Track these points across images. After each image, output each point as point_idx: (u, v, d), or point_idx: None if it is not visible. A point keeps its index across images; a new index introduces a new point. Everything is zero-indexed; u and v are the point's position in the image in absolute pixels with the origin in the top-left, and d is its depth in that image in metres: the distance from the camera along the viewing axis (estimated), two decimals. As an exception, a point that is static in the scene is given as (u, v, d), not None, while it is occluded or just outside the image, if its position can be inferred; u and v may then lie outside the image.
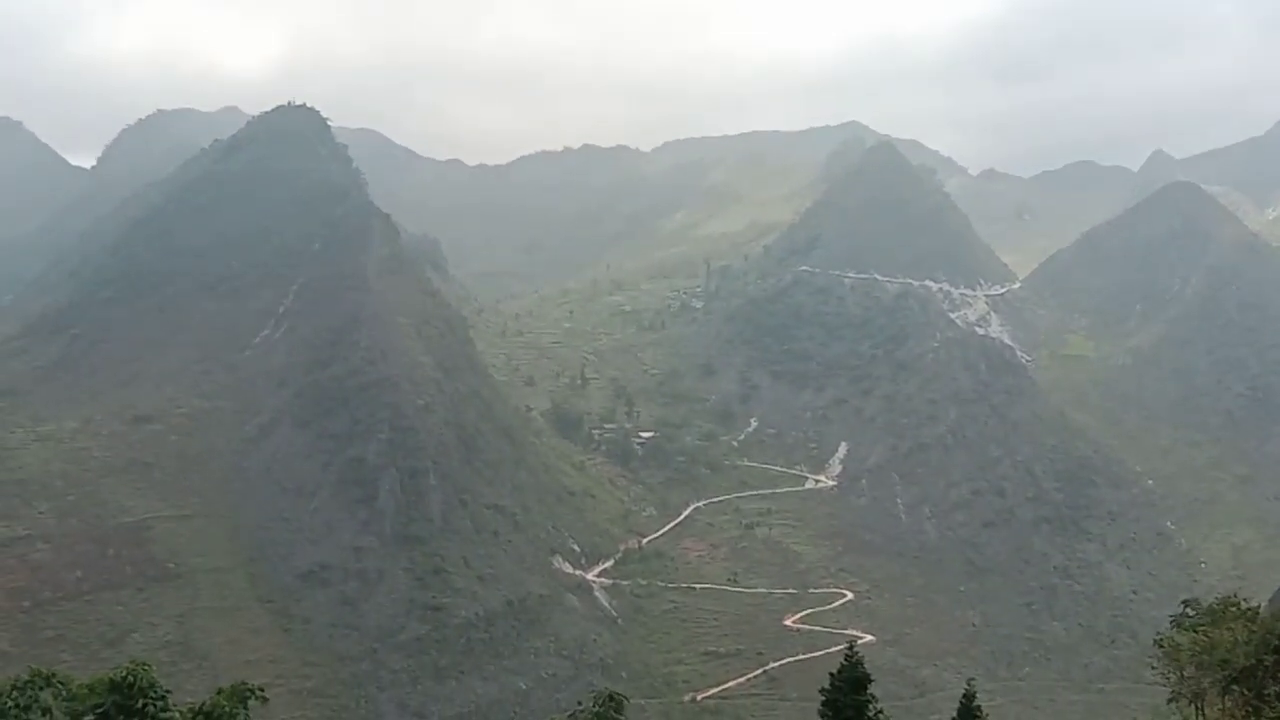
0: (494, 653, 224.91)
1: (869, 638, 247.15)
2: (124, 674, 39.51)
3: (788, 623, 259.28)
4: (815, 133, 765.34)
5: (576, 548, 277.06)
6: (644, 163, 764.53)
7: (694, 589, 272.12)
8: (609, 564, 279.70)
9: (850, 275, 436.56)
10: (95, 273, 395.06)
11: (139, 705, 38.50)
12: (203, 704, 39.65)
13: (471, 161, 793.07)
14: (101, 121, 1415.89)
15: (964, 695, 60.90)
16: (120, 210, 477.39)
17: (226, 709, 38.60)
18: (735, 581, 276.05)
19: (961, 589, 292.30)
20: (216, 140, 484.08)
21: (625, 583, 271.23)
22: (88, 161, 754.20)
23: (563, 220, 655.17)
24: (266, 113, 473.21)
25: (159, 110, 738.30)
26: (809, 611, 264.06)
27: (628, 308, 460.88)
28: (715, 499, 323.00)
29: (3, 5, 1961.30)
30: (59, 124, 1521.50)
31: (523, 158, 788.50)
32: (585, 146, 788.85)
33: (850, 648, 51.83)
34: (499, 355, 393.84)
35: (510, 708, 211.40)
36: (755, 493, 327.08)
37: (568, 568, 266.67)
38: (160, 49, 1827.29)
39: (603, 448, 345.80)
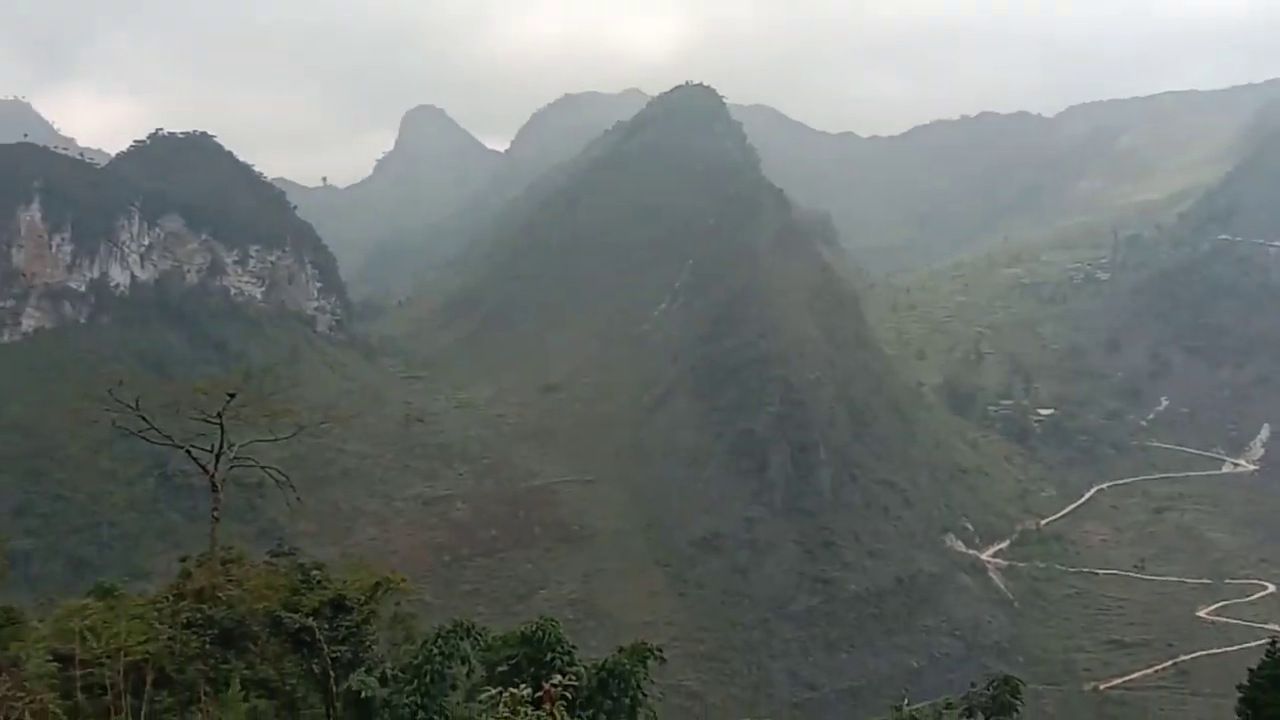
0: (884, 628, 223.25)
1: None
2: (534, 628, 41.69)
3: (1201, 614, 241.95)
4: (1236, 92, 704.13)
5: (970, 526, 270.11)
6: (1046, 129, 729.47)
7: (1096, 574, 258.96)
8: (1004, 545, 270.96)
9: (1276, 244, 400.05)
10: (507, 251, 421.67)
11: (547, 658, 40.48)
12: (605, 661, 41.14)
13: (864, 134, 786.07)
14: (515, 106, 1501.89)
15: None
16: (530, 191, 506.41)
17: (628, 667, 39.85)
18: (1142, 568, 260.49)
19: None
20: (619, 121, 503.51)
21: (1022, 565, 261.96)
22: (502, 145, 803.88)
23: (958, 191, 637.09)
24: (666, 93, 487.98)
25: (566, 94, 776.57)
26: (1225, 603, 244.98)
27: (1026, 280, 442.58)
28: (1121, 481, 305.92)
29: (428, 2, 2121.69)
30: (477, 110, 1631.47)
31: (917, 128, 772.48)
32: (983, 114, 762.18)
33: (1273, 644, 47.47)
34: (890, 329, 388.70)
35: (901, 685, 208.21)
36: (1165, 475, 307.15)
37: (960, 547, 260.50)
38: (570, 35, 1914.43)
39: (998, 425, 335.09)
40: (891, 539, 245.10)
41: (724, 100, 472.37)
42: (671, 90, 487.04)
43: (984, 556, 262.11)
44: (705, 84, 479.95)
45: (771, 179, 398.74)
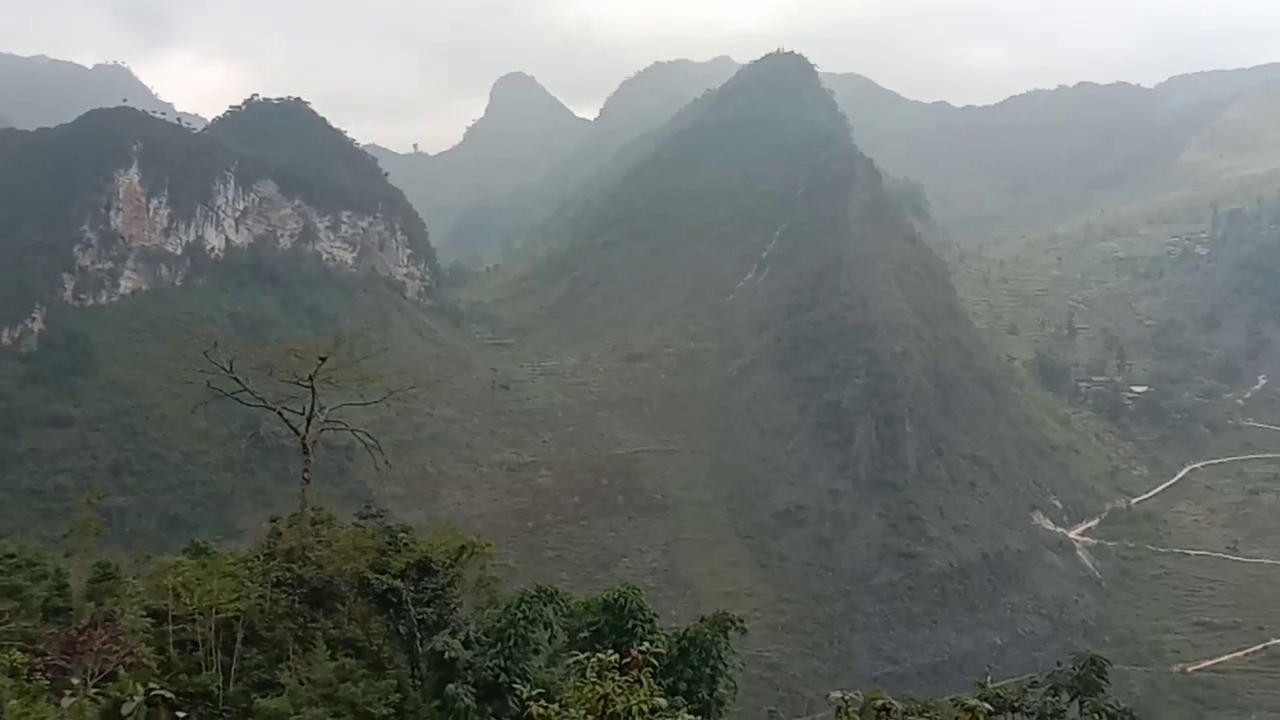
0: (968, 605, 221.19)
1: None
2: (616, 596, 42.00)
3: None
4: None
5: (1058, 504, 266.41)
6: (1146, 100, 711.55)
7: (1187, 555, 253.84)
8: (1093, 523, 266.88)
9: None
10: (595, 218, 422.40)
11: (629, 626, 40.75)
12: (686, 629, 41.31)
13: (958, 103, 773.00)
14: (605, 75, 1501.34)
15: None
16: (618, 159, 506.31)
17: (709, 637, 40.03)
18: (1235, 550, 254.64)
19: None
20: (708, 90, 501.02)
21: (1111, 544, 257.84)
22: (591, 113, 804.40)
23: (1053, 163, 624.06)
24: (756, 62, 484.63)
25: (656, 63, 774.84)
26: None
27: (1122, 254, 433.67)
28: (1215, 460, 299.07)
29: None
30: (567, 78, 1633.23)
31: (1012, 98, 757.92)
32: (1081, 84, 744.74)
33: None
34: (981, 303, 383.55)
35: (984, 662, 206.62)
36: (1262, 456, 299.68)
37: (1048, 524, 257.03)
38: (663, 3, 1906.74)
39: (1090, 401, 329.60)
40: (978, 515, 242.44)
41: (815, 69, 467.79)
42: (762, 59, 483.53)
43: (1072, 535, 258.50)
44: (797, 52, 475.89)
45: (862, 149, 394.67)
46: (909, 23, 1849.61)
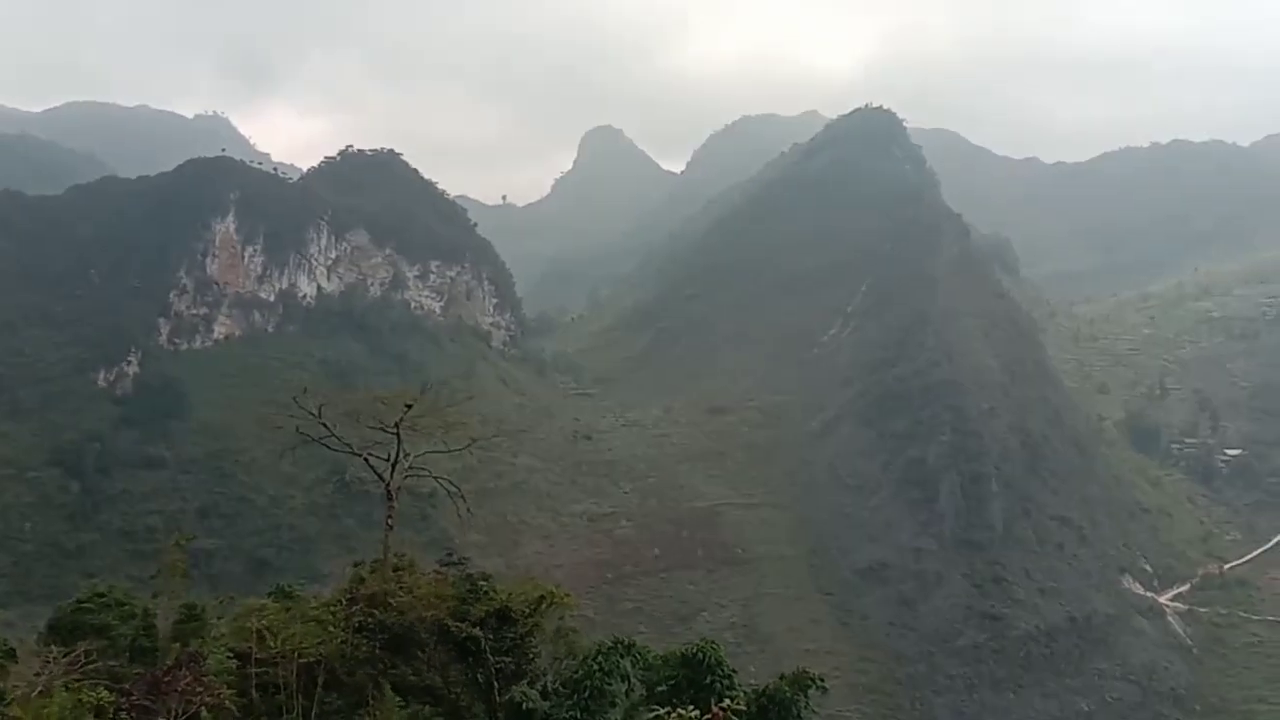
0: (1054, 669, 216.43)
1: None
2: (695, 650, 41.68)
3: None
4: None
5: (1148, 568, 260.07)
6: (1242, 158, 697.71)
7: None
8: (1184, 588, 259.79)
9: None
10: (680, 270, 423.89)
11: (707, 681, 40.39)
12: (766, 687, 40.84)
13: (1049, 159, 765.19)
14: (692, 128, 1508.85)
15: None
16: (705, 211, 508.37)
17: (788, 695, 39.50)
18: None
19: None
20: (795, 144, 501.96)
21: (1203, 610, 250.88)
22: (678, 166, 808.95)
23: (1145, 220, 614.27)
24: (844, 116, 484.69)
25: (744, 116, 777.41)
26: None
27: (1216, 314, 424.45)
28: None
29: (611, 20, 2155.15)
30: (655, 131, 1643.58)
31: (1104, 154, 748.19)
32: (1174, 141, 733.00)
33: None
34: (1070, 361, 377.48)
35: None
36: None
37: (1138, 588, 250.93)
38: (754, 55, 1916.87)
39: (1182, 463, 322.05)
40: (1065, 577, 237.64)
41: (904, 123, 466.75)
42: (850, 113, 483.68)
43: (1162, 600, 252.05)
44: (885, 107, 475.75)
45: (951, 204, 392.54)
46: (1000, 78, 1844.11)
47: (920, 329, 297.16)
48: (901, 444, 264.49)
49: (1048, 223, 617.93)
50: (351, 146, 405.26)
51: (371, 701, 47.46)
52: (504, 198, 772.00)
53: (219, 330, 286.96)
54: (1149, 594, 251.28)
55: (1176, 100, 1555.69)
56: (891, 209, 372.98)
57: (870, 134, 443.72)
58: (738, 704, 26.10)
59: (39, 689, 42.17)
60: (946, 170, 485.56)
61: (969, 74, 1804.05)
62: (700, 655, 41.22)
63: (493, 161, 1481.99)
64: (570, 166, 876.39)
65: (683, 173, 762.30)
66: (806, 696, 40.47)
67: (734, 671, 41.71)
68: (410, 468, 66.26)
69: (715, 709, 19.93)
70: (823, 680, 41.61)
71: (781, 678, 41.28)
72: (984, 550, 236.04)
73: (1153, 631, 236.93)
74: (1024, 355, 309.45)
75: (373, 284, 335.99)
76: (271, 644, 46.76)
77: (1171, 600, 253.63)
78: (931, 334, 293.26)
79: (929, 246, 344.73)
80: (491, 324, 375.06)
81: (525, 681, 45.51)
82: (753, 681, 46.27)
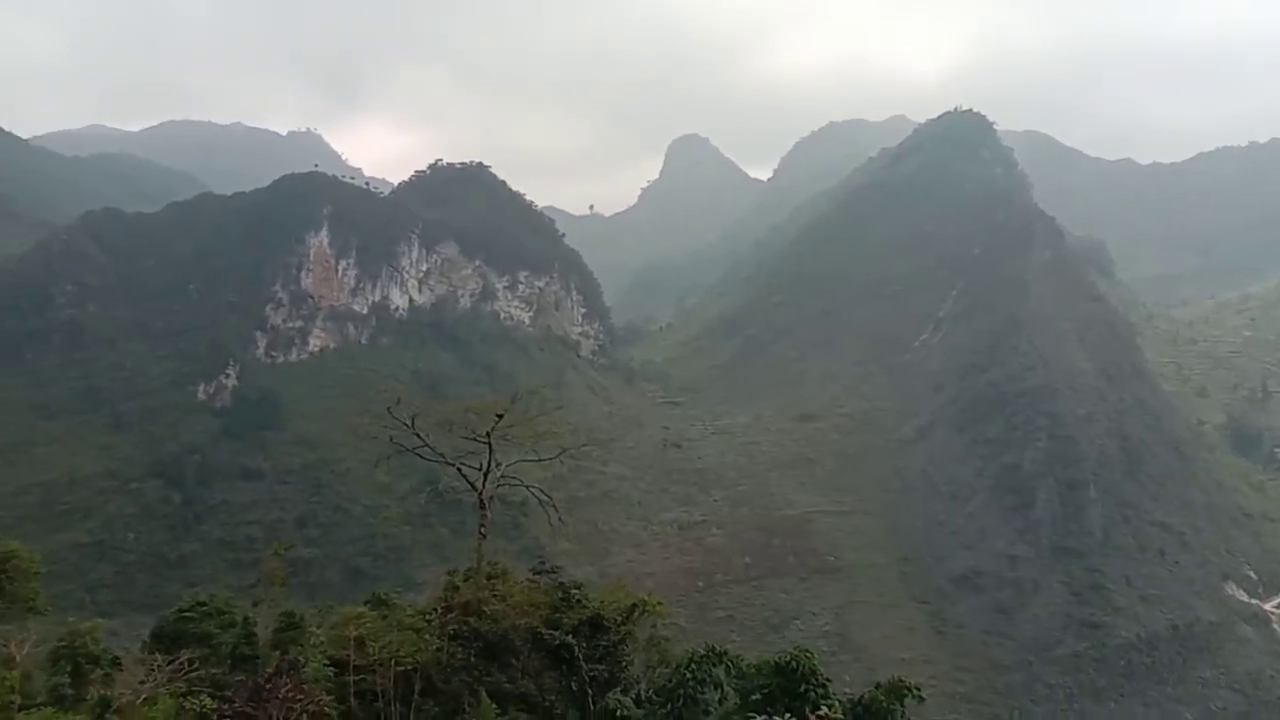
0: (1156, 678, 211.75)
1: None
2: (788, 659, 41.37)
3: None
4: None
5: (1252, 575, 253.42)
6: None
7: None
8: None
9: None
10: (767, 278, 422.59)
11: (802, 690, 40.08)
12: (861, 696, 40.49)
13: (1143, 160, 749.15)
14: (779, 134, 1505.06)
15: None
16: (792, 219, 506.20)
17: (884, 704, 39.13)
18: None
19: None
20: (883, 149, 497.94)
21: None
22: (764, 173, 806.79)
23: (1244, 221, 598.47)
24: (932, 120, 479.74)
25: (831, 122, 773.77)
26: None
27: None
28: None
29: (697, 28, 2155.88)
30: (741, 139, 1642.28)
31: (1201, 154, 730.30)
32: (1273, 140, 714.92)
33: None
34: (1169, 364, 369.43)
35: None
36: None
37: (1242, 595, 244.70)
38: (840, 61, 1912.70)
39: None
40: (1167, 584, 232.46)
41: (993, 126, 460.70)
42: (938, 117, 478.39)
43: (1268, 607, 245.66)
44: (974, 110, 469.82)
45: (1043, 207, 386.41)
46: (1092, 78, 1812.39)
47: (1013, 333, 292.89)
48: (995, 450, 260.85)
49: (1143, 225, 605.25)
50: (441, 160, 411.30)
51: (468, 709, 47.91)
52: (591, 207, 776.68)
53: (314, 343, 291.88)
54: (1253, 601, 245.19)
55: (1275, 97, 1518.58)
56: (981, 213, 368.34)
57: (959, 137, 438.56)
58: (835, 713, 25.96)
59: (144, 696, 43.24)
60: (1038, 173, 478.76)
61: (1060, 74, 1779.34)
62: (794, 663, 40.92)
63: (580, 172, 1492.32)
64: (657, 175, 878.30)
65: (770, 180, 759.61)
66: (903, 705, 40.05)
67: (828, 680, 41.37)
68: (502, 477, 66.90)
69: (812, 717, 19.83)
70: (919, 689, 41.14)
71: (877, 686, 40.93)
72: (1083, 557, 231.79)
73: (1258, 639, 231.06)
74: (1120, 359, 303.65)
75: (463, 295, 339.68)
76: (370, 651, 47.47)
77: (1276, 607, 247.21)
78: (1024, 338, 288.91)
79: (1020, 250, 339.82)
80: (580, 333, 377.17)
81: (619, 689, 45.63)
82: (847, 691, 45.92)
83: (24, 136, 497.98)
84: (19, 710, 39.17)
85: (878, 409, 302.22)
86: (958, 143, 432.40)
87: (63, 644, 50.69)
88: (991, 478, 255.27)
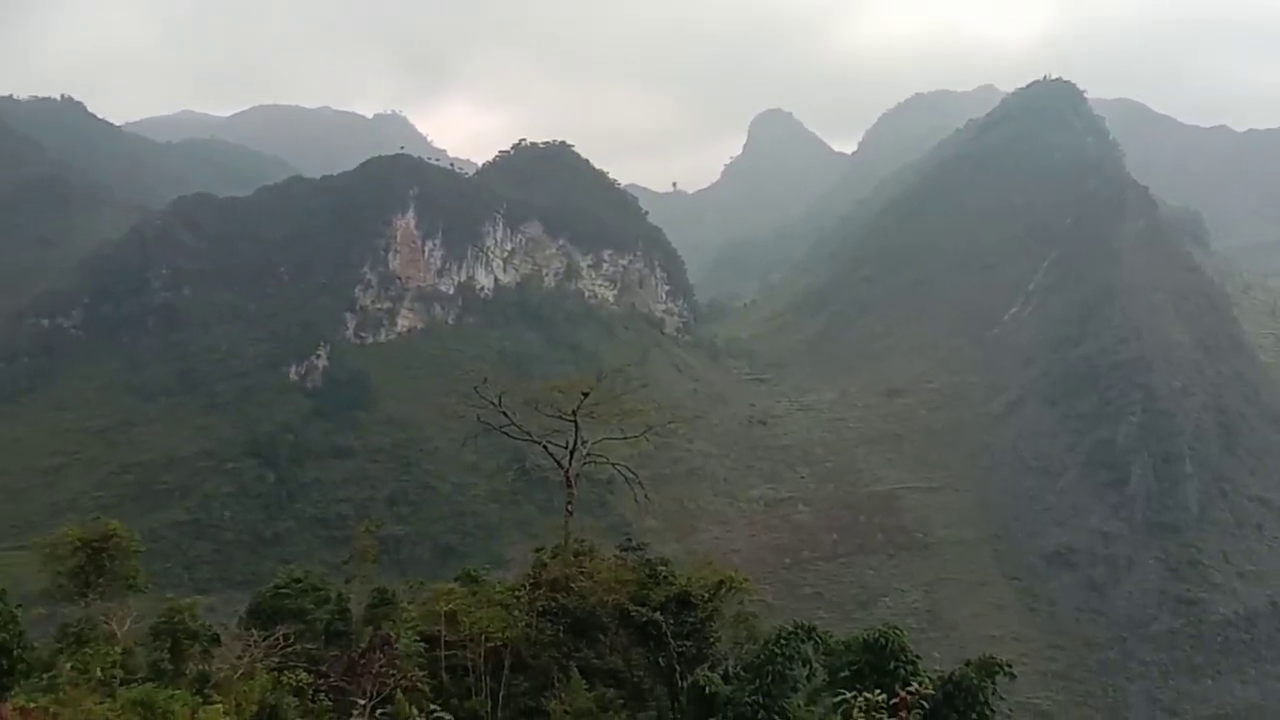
0: (1254, 655, 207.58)
1: None
2: (877, 635, 41.10)
3: None
4: None
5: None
6: None
7: None
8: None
9: None
10: (853, 252, 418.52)
11: (890, 667, 39.79)
12: (951, 673, 40.01)
13: (1239, 127, 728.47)
14: (864, 108, 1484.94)
15: None
16: (877, 192, 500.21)
17: (975, 681, 38.60)
18: None
19: None
20: (971, 120, 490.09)
21: None
22: (849, 147, 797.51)
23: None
24: (1021, 89, 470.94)
25: (916, 94, 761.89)
26: None
27: None
28: None
29: (779, 1, 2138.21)
30: (826, 112, 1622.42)
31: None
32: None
33: None
34: (1267, 335, 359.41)
35: (1272, 715, 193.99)
36: None
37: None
38: (924, 33, 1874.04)
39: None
40: (1265, 560, 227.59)
41: (1084, 94, 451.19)
42: (1027, 86, 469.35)
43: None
44: (1063, 78, 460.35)
45: (1136, 176, 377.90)
46: (1184, 43, 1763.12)
47: (1106, 305, 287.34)
48: (1088, 424, 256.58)
49: (1240, 193, 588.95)
50: (524, 140, 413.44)
51: (557, 684, 48.32)
52: (674, 185, 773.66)
53: (402, 323, 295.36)
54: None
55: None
56: (1072, 183, 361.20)
57: (1049, 106, 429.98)
58: (925, 689, 25.70)
59: (241, 671, 44.19)
60: (1130, 141, 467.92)
61: (1152, 40, 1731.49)
62: (883, 640, 40.65)
63: (663, 149, 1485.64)
64: (740, 151, 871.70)
65: (854, 154, 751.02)
66: (994, 682, 39.54)
67: (918, 657, 41.05)
68: (588, 454, 67.22)
69: (903, 693, 19.65)
70: (1010, 666, 40.60)
71: (968, 664, 40.45)
72: (1178, 533, 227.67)
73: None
74: (1217, 330, 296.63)
75: (547, 274, 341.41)
76: (460, 627, 48.05)
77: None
78: (1118, 310, 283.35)
79: (1113, 220, 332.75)
80: (664, 311, 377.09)
81: (706, 665, 45.68)
82: (937, 668, 45.45)
83: (117, 123, 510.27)
84: (120, 685, 40.19)
85: (966, 383, 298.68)
86: (1048, 112, 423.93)
87: (162, 620, 51.86)
88: (1084, 453, 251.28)
